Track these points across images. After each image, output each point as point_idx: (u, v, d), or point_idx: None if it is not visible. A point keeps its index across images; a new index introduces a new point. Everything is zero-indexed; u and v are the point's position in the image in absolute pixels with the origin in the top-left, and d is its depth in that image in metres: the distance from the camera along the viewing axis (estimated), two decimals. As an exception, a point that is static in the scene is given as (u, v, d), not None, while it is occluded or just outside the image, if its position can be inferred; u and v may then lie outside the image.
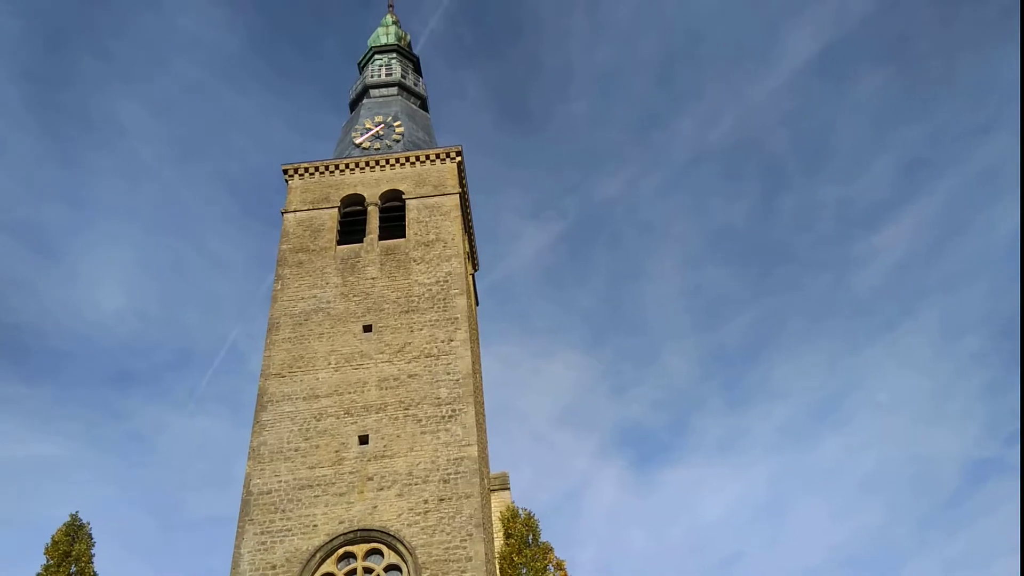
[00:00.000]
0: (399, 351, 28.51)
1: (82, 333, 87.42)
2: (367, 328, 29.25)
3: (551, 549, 20.24)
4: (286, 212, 33.18)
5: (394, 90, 39.97)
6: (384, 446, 26.34)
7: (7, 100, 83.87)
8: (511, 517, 20.78)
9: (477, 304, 37.24)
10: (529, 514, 20.80)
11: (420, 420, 26.84)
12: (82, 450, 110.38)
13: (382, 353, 28.49)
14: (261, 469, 25.99)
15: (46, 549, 19.40)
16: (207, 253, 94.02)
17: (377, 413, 27.10)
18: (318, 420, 27.07)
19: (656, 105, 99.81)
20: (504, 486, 28.10)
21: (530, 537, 20.38)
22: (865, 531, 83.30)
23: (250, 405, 28.09)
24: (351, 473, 25.75)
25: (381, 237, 32.21)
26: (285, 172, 34.48)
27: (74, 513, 19.98)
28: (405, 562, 24.15)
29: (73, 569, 19.06)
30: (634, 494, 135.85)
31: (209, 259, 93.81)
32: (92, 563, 19.33)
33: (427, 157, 34.49)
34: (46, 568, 18.96)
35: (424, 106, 41.36)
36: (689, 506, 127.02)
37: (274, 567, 23.98)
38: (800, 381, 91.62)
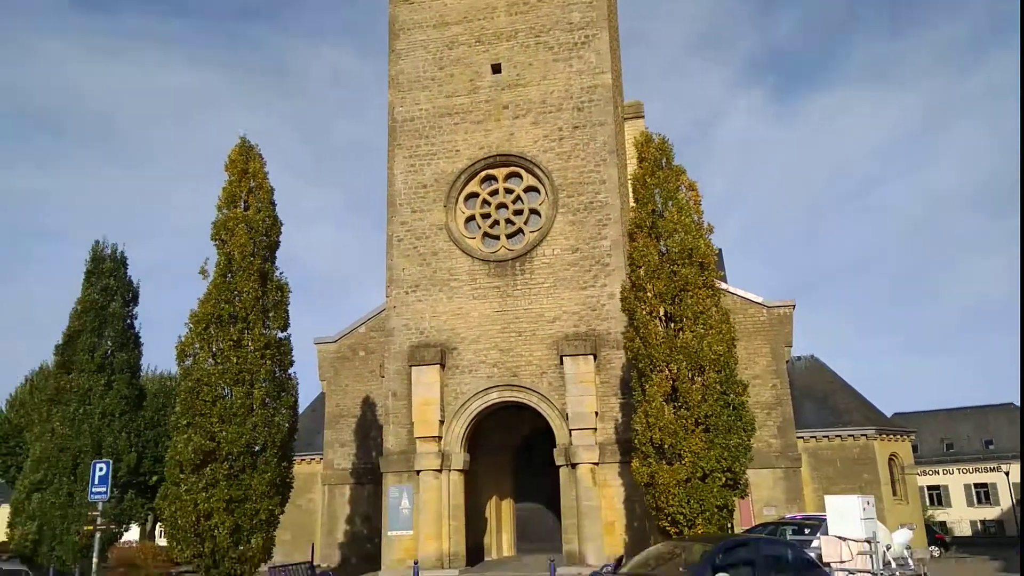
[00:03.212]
0: (527, -27, 26.89)
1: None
2: (493, -52, 27.43)
3: (683, 171, 20.58)
4: None
5: None
6: (517, 75, 26.37)
7: None
8: (644, 142, 20.94)
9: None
10: (663, 139, 20.81)
11: (552, 47, 26.30)
12: (228, 81, 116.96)
13: (510, -25, 27.00)
14: (402, 98, 27.00)
15: (225, 167, 21.79)
16: None
17: (508, 41, 26.67)
18: (450, 48, 27.08)
19: None
20: (638, 114, 28.08)
21: (663, 160, 20.67)
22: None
23: (376, 33, 28.18)
24: (486, 102, 26.33)
25: None
26: None
27: (243, 135, 21.92)
28: (542, 183, 25.69)
29: (252, 184, 21.53)
30: (771, 123, 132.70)
31: None
32: (267, 178, 21.71)
33: None
34: (229, 183, 21.46)
35: None
36: (830, 133, 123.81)
37: (424, 186, 26.21)
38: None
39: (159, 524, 35.04)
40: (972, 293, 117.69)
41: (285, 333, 20.94)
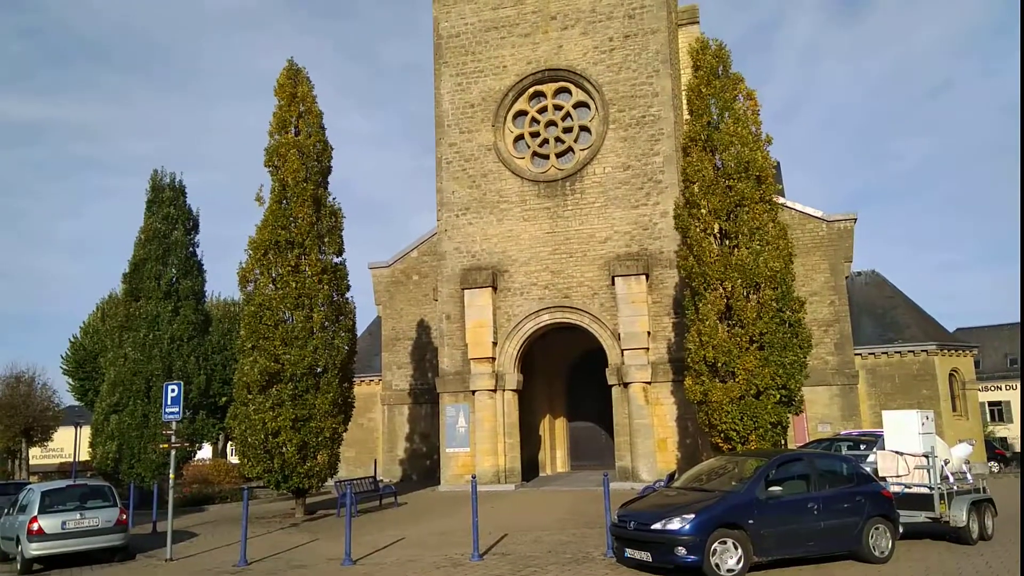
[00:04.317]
0: None
1: None
2: None
3: (742, 79, 19.61)
4: None
5: None
6: (564, -16, 25.33)
7: None
8: (700, 49, 19.95)
9: None
10: (720, 44, 19.76)
11: (601, -46, 25.10)
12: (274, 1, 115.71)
13: None
14: (447, 12, 26.32)
15: (275, 91, 21.72)
16: None
17: (555, -51, 25.55)
18: (495, -41, 26.11)
19: None
20: (692, 19, 26.82)
21: (720, 68, 19.71)
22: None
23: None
24: (534, 13, 25.49)
25: None
26: None
27: (290, 58, 21.74)
28: (592, 99, 25.02)
29: (302, 108, 21.48)
30: (836, 23, 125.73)
31: None
32: (316, 102, 21.60)
33: None
34: (279, 107, 21.41)
35: None
36: (899, 31, 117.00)
37: (472, 106, 25.80)
38: None
39: (230, 443, 36.90)
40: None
41: (340, 258, 21.30)
